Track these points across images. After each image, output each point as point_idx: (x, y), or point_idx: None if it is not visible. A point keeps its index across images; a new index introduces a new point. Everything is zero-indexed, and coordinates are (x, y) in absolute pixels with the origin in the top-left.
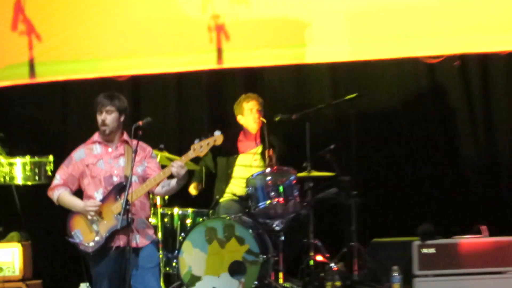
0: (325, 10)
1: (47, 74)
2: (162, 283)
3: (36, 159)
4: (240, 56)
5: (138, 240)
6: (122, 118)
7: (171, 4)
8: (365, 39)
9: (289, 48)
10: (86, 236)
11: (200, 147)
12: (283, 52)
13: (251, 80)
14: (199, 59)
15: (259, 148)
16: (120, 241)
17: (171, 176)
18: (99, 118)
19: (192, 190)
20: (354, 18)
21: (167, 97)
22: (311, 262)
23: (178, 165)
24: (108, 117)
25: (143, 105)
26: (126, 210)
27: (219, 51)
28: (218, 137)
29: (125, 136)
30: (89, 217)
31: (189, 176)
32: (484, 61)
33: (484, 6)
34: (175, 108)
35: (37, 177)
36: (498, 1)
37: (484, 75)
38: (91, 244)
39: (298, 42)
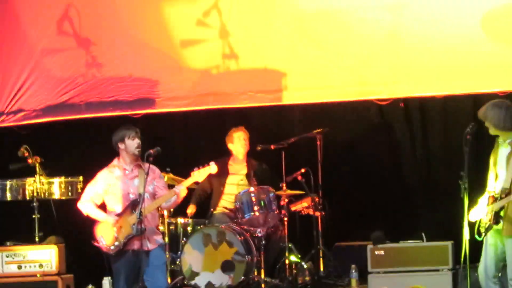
0: (298, 62)
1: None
2: (168, 278)
3: (69, 179)
4: (230, 99)
5: (149, 244)
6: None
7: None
8: (330, 85)
9: (269, 93)
10: (108, 241)
11: (198, 174)
12: (265, 96)
13: (240, 117)
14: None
15: (245, 171)
16: (135, 245)
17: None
18: (134, 142)
19: (189, 210)
20: (320, 68)
21: (174, 130)
22: (286, 262)
23: (181, 189)
24: (139, 142)
25: (155, 136)
26: (140, 221)
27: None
28: (213, 166)
29: (139, 161)
30: (113, 227)
31: (189, 196)
32: (423, 103)
33: (423, 59)
34: (181, 139)
35: (70, 193)
36: (432, 55)
37: (423, 114)
38: (112, 247)
39: (276, 87)
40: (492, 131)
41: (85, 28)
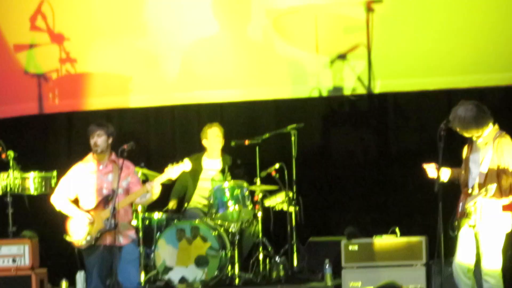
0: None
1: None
2: (142, 273)
3: (43, 173)
4: (207, 94)
5: (121, 240)
6: (110, 141)
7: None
8: (303, 81)
9: (246, 88)
10: (80, 236)
11: (172, 170)
12: (242, 92)
13: (214, 113)
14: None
15: (219, 166)
16: (107, 240)
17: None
18: (92, 141)
19: (171, 205)
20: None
21: (148, 126)
22: (260, 257)
23: (152, 185)
24: (98, 139)
25: (129, 131)
26: (113, 216)
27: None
28: (186, 163)
29: (113, 156)
30: (85, 222)
31: (169, 193)
32: (398, 98)
33: (397, 55)
34: (155, 134)
35: (44, 188)
36: (406, 51)
37: (398, 110)
38: (84, 242)
39: (251, 83)
40: (467, 134)
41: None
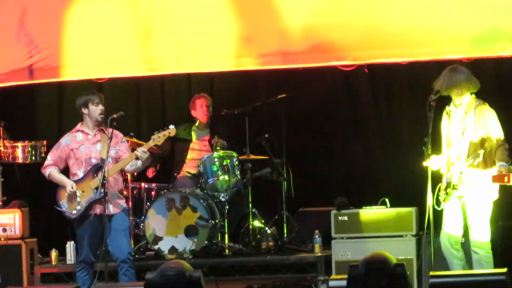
0: (259, 25)
1: (43, 77)
2: (132, 242)
3: (33, 143)
4: (197, 63)
5: (111, 209)
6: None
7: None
8: (293, 51)
9: (235, 58)
10: (70, 205)
11: (158, 138)
12: (229, 61)
13: (204, 83)
14: (163, 66)
15: (208, 136)
16: (97, 209)
17: (137, 158)
18: (98, 108)
19: (149, 174)
20: (285, 33)
21: (137, 96)
22: (250, 227)
23: (142, 150)
24: (103, 108)
25: (119, 102)
26: (103, 185)
27: (179, 60)
28: (172, 130)
29: (102, 126)
30: (68, 190)
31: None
32: (388, 69)
33: (386, 25)
34: (144, 105)
35: (33, 158)
36: (396, 21)
37: (388, 81)
38: (74, 212)
39: (242, 53)
40: (457, 96)
41: None
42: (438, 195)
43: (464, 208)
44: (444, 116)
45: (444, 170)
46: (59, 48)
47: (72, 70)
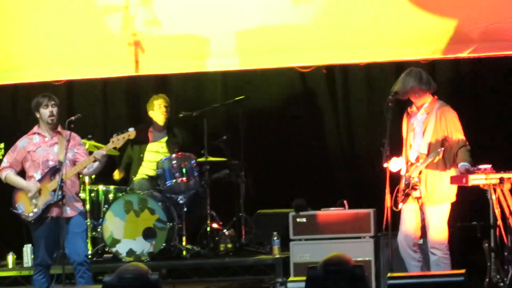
0: (219, 30)
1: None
2: (89, 245)
3: None
4: (153, 65)
5: (68, 211)
6: (58, 112)
7: (101, 26)
8: (251, 52)
9: (192, 59)
10: (27, 208)
11: (117, 140)
12: (187, 63)
13: (161, 84)
14: (121, 67)
15: (166, 138)
16: (54, 212)
17: (94, 161)
18: (47, 111)
19: (116, 175)
20: (242, 36)
21: (95, 97)
22: (208, 229)
23: (100, 153)
24: (54, 110)
25: (76, 104)
26: (60, 187)
27: (136, 62)
28: (131, 132)
29: (59, 128)
30: (30, 193)
31: (114, 163)
32: (347, 70)
33: (343, 27)
34: (101, 107)
35: None
36: (354, 23)
37: (346, 82)
38: (31, 214)
39: (199, 54)
40: (414, 99)
41: None
42: (396, 196)
43: (423, 209)
44: (405, 117)
45: (404, 171)
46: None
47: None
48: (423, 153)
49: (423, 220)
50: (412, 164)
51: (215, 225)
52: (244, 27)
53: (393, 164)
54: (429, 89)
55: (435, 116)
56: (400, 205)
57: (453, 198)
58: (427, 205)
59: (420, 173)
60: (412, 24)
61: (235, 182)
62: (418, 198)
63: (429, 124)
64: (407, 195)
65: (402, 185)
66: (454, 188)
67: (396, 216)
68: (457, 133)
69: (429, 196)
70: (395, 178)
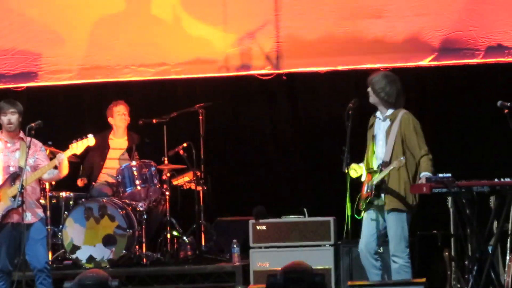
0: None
1: None
2: (49, 251)
3: None
4: (113, 72)
5: (29, 218)
6: (20, 119)
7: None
8: (212, 59)
9: (154, 67)
10: None
11: (76, 146)
12: (148, 70)
13: (121, 91)
14: (82, 74)
15: (126, 145)
16: (14, 218)
17: (55, 167)
18: (5, 118)
19: (79, 183)
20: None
21: (56, 104)
22: (168, 236)
23: (60, 158)
24: (12, 117)
25: (37, 110)
26: (20, 193)
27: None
28: (90, 138)
29: (21, 134)
30: None
31: (75, 170)
32: (308, 78)
33: (305, 34)
34: (63, 113)
35: None
36: (315, 31)
37: (307, 89)
38: None
39: (160, 61)
40: (372, 100)
41: None
42: (357, 204)
43: (384, 217)
44: (371, 124)
45: (364, 178)
46: None
47: None
48: (386, 161)
49: (384, 228)
50: (374, 171)
51: (175, 232)
52: (206, 33)
53: (353, 171)
54: (396, 102)
55: (399, 124)
56: (362, 213)
57: (414, 207)
58: (389, 213)
59: (381, 181)
60: (372, 32)
61: (195, 189)
62: (380, 206)
63: (392, 132)
64: (369, 203)
65: (364, 192)
66: (415, 197)
67: (357, 224)
68: (420, 142)
69: (391, 204)
70: (355, 186)
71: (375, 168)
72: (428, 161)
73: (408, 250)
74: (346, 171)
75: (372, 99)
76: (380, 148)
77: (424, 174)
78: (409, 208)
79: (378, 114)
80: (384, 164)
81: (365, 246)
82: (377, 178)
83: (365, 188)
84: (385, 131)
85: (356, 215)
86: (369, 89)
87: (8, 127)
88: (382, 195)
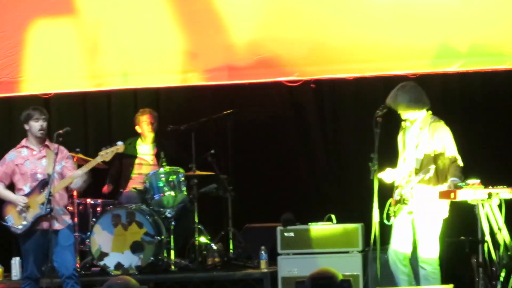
0: (207, 44)
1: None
2: (77, 258)
3: None
4: (143, 79)
5: (57, 225)
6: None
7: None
8: (237, 66)
9: (181, 73)
10: (16, 220)
11: (106, 154)
12: (176, 76)
13: (151, 98)
14: (110, 81)
15: (154, 151)
16: (43, 225)
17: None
18: (37, 124)
19: (105, 189)
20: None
21: (84, 111)
22: (196, 243)
23: (81, 173)
24: (44, 124)
25: (64, 117)
26: (49, 201)
27: (125, 75)
28: (120, 146)
29: (47, 141)
30: (19, 207)
31: (103, 177)
32: (335, 85)
33: (332, 41)
34: (92, 120)
35: None
36: (343, 37)
37: (335, 96)
38: (20, 227)
39: (188, 68)
40: (404, 114)
41: None
42: (388, 210)
43: (414, 224)
44: (402, 131)
45: (397, 184)
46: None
47: (28, 85)
48: (416, 168)
49: (414, 235)
50: (404, 178)
51: (203, 239)
52: (234, 39)
53: (386, 175)
54: (419, 107)
55: (428, 131)
56: (392, 219)
57: (445, 214)
58: (418, 220)
59: (411, 188)
60: (399, 39)
61: (223, 196)
62: (410, 213)
63: (421, 139)
64: (398, 209)
65: (394, 198)
66: (446, 204)
67: (384, 230)
68: (449, 150)
69: (421, 211)
70: (383, 192)
71: (405, 175)
72: (457, 167)
73: (437, 257)
74: (374, 178)
75: (404, 114)
76: (410, 155)
77: (452, 180)
78: (439, 215)
79: (408, 121)
80: (414, 171)
81: (394, 252)
82: (407, 185)
83: (395, 194)
84: (414, 138)
85: (386, 221)
86: (397, 109)
87: (40, 134)
88: (412, 202)
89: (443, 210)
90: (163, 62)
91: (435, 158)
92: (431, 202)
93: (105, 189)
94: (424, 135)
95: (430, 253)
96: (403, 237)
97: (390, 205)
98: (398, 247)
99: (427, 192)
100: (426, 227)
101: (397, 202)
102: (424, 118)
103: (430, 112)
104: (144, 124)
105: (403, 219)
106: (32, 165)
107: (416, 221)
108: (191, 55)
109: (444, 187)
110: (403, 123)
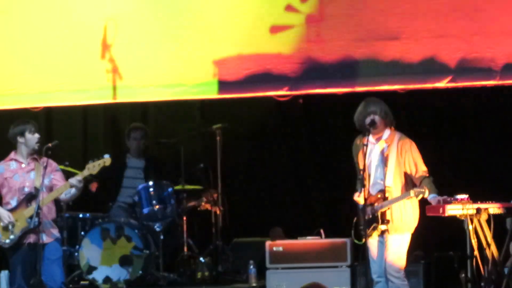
0: (195, 59)
1: None
2: (65, 272)
3: None
4: (131, 92)
5: (44, 238)
6: None
7: (79, 53)
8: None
9: (171, 87)
10: (3, 234)
11: (93, 167)
12: (166, 90)
13: (140, 112)
14: (99, 94)
15: (143, 165)
16: (31, 238)
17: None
18: (34, 137)
19: (92, 187)
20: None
21: (73, 124)
22: (185, 257)
23: (77, 179)
24: (39, 135)
25: (53, 131)
26: (37, 214)
27: (114, 89)
28: (107, 159)
29: (35, 154)
30: (2, 223)
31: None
32: (324, 99)
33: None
34: (80, 133)
35: None
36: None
37: (324, 111)
38: (7, 241)
39: (177, 82)
40: (372, 129)
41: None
42: (358, 229)
43: (385, 241)
44: (356, 148)
45: (363, 203)
46: None
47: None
48: (389, 186)
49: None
50: (376, 197)
51: (191, 253)
52: (222, 55)
53: (359, 198)
54: (389, 120)
55: (396, 147)
56: (364, 239)
57: (412, 229)
58: (390, 235)
59: (389, 208)
60: (389, 53)
61: (211, 210)
62: (384, 231)
63: (391, 155)
64: (374, 229)
65: (366, 217)
66: (416, 219)
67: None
68: (419, 164)
69: (394, 226)
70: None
71: (373, 193)
72: (431, 183)
73: (403, 270)
74: (357, 196)
75: (378, 124)
76: (378, 172)
77: (434, 197)
78: (409, 230)
79: (371, 137)
80: (388, 190)
81: (378, 275)
82: (383, 205)
83: (368, 212)
84: (382, 155)
85: (356, 240)
86: (375, 117)
87: (37, 145)
88: (388, 218)
89: (412, 225)
90: (154, 76)
91: (406, 175)
92: (403, 218)
93: (92, 187)
94: (393, 152)
95: (396, 265)
96: (380, 256)
97: (358, 224)
98: (381, 267)
99: (399, 208)
100: (396, 240)
101: (370, 221)
102: (389, 135)
103: (393, 128)
104: (133, 140)
105: (378, 238)
106: (21, 179)
107: (388, 235)
108: (181, 69)
109: (415, 202)
110: (357, 141)
